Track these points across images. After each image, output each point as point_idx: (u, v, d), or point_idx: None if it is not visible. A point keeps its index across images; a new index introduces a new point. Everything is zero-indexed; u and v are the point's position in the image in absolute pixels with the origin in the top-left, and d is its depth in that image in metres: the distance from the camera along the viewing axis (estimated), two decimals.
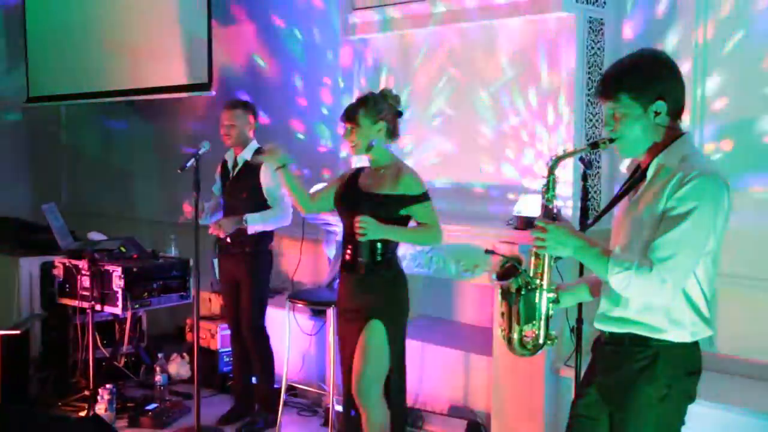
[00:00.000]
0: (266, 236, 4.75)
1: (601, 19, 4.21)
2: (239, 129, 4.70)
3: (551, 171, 2.62)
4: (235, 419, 4.85)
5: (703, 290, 2.53)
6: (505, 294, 2.68)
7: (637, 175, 2.62)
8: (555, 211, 2.61)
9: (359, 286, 3.69)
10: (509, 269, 2.68)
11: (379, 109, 3.67)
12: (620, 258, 2.45)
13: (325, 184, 4.79)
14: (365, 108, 3.66)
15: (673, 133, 2.55)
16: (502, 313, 2.72)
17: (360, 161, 4.02)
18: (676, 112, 2.55)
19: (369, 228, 3.50)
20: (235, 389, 5.01)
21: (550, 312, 2.67)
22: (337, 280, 3.93)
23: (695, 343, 2.55)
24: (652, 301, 2.48)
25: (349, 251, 3.70)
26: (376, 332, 3.62)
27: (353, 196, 3.69)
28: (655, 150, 2.55)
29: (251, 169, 4.69)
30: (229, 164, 4.81)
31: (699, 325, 2.52)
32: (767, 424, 3.45)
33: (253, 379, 4.91)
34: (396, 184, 3.62)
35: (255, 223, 4.59)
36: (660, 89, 2.51)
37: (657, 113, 2.51)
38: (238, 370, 4.96)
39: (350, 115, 3.68)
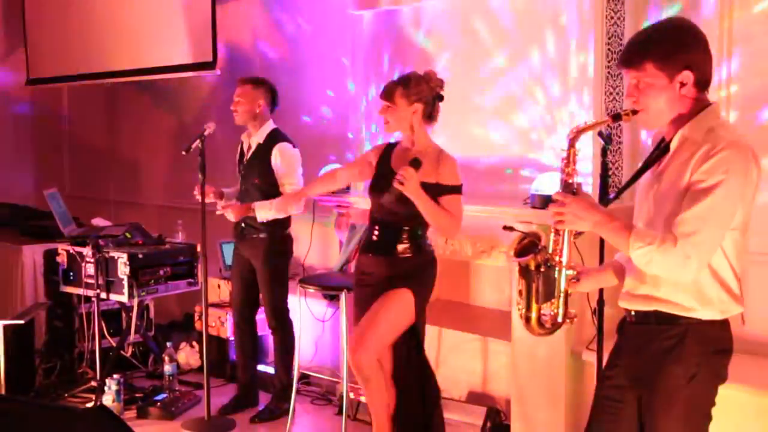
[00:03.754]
0: (283, 220, 4.76)
1: None
2: (246, 106, 4.69)
3: (572, 144, 2.62)
4: (237, 409, 4.90)
5: (731, 266, 2.52)
6: (524, 271, 2.71)
7: (662, 147, 2.61)
8: (575, 185, 2.61)
9: (386, 270, 3.74)
10: (528, 246, 2.70)
11: (417, 90, 3.70)
12: (642, 233, 2.45)
13: (336, 166, 4.79)
14: (403, 87, 3.70)
15: (699, 105, 2.54)
16: (520, 291, 2.74)
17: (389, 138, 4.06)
18: (703, 83, 2.53)
19: (410, 181, 3.49)
20: (242, 379, 5.03)
21: (570, 291, 2.69)
22: (348, 264, 3.95)
23: (725, 322, 2.55)
24: (676, 278, 2.47)
25: (376, 231, 3.76)
26: (404, 299, 3.67)
27: (388, 178, 3.66)
28: (680, 121, 2.54)
29: (263, 153, 4.70)
30: (244, 147, 4.83)
31: (728, 302, 2.52)
32: None
33: (264, 368, 4.98)
34: (433, 169, 3.66)
35: (263, 211, 4.60)
36: (687, 59, 2.49)
37: (683, 84, 2.49)
38: (243, 360, 4.99)
39: (388, 93, 3.73)
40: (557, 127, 4.39)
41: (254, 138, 4.75)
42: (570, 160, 2.61)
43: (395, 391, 3.87)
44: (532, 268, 2.67)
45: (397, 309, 3.68)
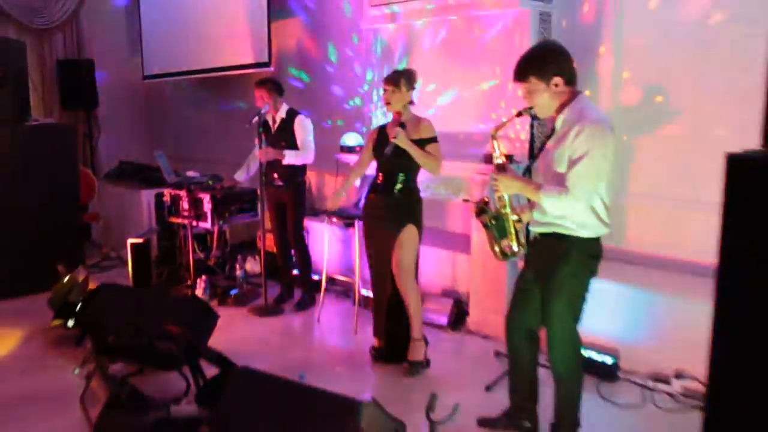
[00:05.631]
0: (301, 172, 4.82)
1: (549, 12, 4.14)
2: (266, 101, 4.72)
3: (494, 138, 2.71)
4: (283, 300, 5.02)
5: (602, 202, 2.62)
6: (484, 225, 2.82)
7: (552, 127, 2.70)
8: (503, 164, 2.70)
9: (387, 204, 3.68)
10: (481, 208, 2.81)
11: (413, 80, 3.67)
12: (548, 191, 2.57)
13: (358, 154, 4.87)
14: (405, 77, 3.63)
15: (573, 95, 2.62)
16: (488, 237, 2.84)
17: (379, 122, 4.04)
18: (571, 81, 2.62)
19: (400, 134, 3.51)
20: (283, 280, 5.12)
21: (518, 228, 2.78)
22: (363, 200, 4.00)
23: (598, 238, 2.66)
24: (570, 214, 2.59)
25: (380, 179, 3.73)
26: (411, 233, 3.66)
27: (384, 143, 3.67)
28: (561, 108, 2.63)
29: (287, 125, 4.77)
30: (269, 121, 4.85)
31: (599, 226, 2.65)
32: (651, 297, 3.56)
33: (296, 272, 5.05)
34: (417, 130, 3.61)
35: (290, 157, 4.69)
36: (556, 68, 2.58)
37: (556, 85, 2.58)
38: (284, 267, 5.09)
39: (395, 80, 3.63)
40: (507, 111, 4.44)
41: (278, 115, 4.78)
42: (496, 149, 2.71)
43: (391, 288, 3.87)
44: (487, 221, 2.78)
45: (410, 242, 3.67)
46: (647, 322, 3.57)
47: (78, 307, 4.22)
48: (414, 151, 3.56)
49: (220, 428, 2.61)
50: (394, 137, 3.53)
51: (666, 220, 3.78)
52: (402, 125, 3.61)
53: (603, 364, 3.63)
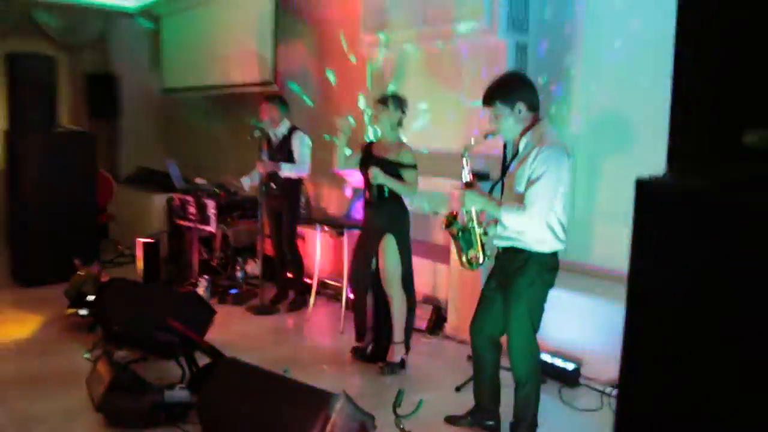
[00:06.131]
0: (297, 184, 4.94)
1: (526, 42, 4.22)
2: (270, 116, 4.85)
3: (463, 157, 2.83)
4: (278, 301, 5.11)
5: (559, 220, 2.74)
6: (452, 236, 2.93)
7: (516, 148, 2.83)
8: (470, 180, 2.83)
9: (375, 214, 3.79)
10: (450, 221, 2.92)
11: (400, 103, 3.74)
12: (507, 206, 2.70)
13: (351, 152, 5.03)
14: (394, 99, 3.72)
15: (534, 120, 2.74)
16: (456, 247, 2.95)
17: (370, 138, 4.07)
18: (533, 108, 2.73)
19: (376, 175, 3.64)
20: (277, 282, 5.21)
21: (483, 240, 2.87)
22: (352, 212, 4.13)
23: (555, 253, 2.78)
24: (527, 229, 2.71)
25: (368, 193, 3.83)
26: (389, 242, 3.73)
27: (369, 160, 3.78)
28: (524, 132, 2.75)
29: (286, 141, 4.89)
30: (271, 136, 4.96)
31: (555, 242, 2.76)
32: (614, 309, 3.51)
33: (289, 275, 5.13)
34: (398, 154, 3.71)
35: (286, 170, 4.79)
36: (519, 96, 2.70)
37: (520, 111, 2.70)
38: (279, 271, 5.17)
39: (384, 99, 3.72)
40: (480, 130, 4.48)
41: (279, 130, 4.88)
42: (464, 167, 2.82)
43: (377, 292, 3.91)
44: (455, 233, 2.88)
45: (389, 251, 3.72)
46: (610, 332, 3.56)
47: (90, 297, 4.38)
48: (391, 185, 3.67)
49: (204, 411, 2.76)
50: (372, 178, 3.65)
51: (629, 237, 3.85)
52: (377, 162, 3.70)
53: (565, 370, 3.72)
